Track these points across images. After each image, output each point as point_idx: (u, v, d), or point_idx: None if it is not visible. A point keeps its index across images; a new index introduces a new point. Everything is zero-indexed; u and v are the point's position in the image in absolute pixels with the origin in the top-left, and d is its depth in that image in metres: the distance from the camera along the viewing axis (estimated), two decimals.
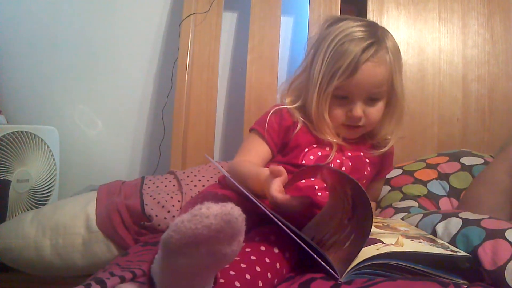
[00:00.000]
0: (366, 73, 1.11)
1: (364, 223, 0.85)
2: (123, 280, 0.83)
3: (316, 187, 1.15)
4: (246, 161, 1.16)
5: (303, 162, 1.18)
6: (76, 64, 2.02)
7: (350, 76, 1.11)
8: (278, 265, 0.84)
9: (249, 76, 1.79)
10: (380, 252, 0.83)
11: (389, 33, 1.20)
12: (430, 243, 0.92)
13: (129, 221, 1.31)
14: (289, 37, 1.97)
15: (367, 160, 1.24)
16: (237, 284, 0.73)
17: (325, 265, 0.83)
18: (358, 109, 1.15)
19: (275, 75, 1.80)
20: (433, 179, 1.39)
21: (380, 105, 1.18)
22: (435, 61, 1.81)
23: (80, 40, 2.02)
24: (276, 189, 0.90)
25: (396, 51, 1.18)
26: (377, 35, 1.14)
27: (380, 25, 1.21)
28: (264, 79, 1.79)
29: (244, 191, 0.86)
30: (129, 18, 2.02)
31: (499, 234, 0.90)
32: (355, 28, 1.14)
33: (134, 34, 2.02)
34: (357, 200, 0.89)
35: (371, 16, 1.80)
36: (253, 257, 0.82)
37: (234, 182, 0.91)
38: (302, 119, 1.22)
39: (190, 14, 1.81)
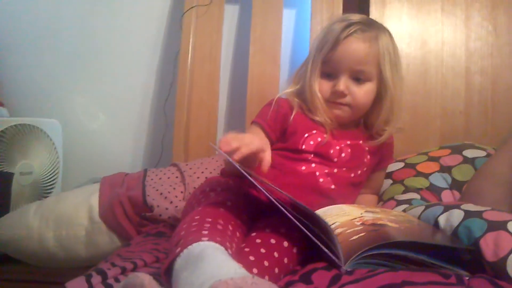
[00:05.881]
0: (347, 46, 1.17)
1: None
2: (124, 270, 0.83)
3: (317, 173, 1.16)
4: None
5: (303, 147, 1.19)
6: (77, 58, 2.02)
7: (333, 49, 1.18)
8: (286, 260, 0.85)
9: (251, 68, 1.79)
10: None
11: (387, 30, 1.24)
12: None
13: (131, 212, 1.32)
14: (291, 29, 1.96)
15: (367, 149, 1.26)
16: None
17: (328, 252, 0.83)
18: (341, 83, 1.18)
19: (277, 67, 1.79)
20: (435, 171, 1.38)
21: (367, 87, 1.20)
22: (438, 54, 1.80)
23: (82, 34, 2.02)
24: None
25: (389, 44, 1.21)
26: (369, 24, 1.21)
27: (381, 23, 1.26)
28: (266, 72, 1.79)
29: (248, 176, 0.86)
30: (131, 11, 2.02)
31: (501, 225, 0.89)
32: (350, 16, 1.22)
33: (136, 27, 2.02)
34: None
35: (374, 8, 1.79)
36: (262, 250, 0.83)
37: (238, 166, 0.91)
38: (298, 100, 1.25)
39: (192, 7, 1.81)
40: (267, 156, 0.93)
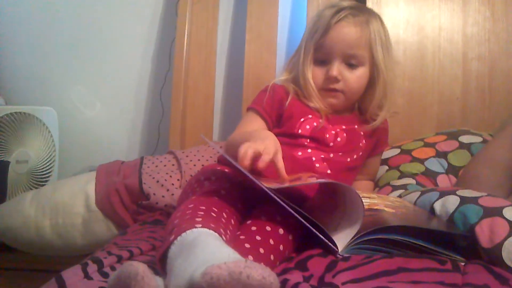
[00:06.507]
0: (338, 31, 1.18)
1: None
2: (120, 259, 0.83)
3: (314, 158, 1.18)
4: (242, 131, 1.19)
5: (299, 131, 1.20)
6: (73, 45, 2.01)
7: (324, 35, 1.19)
8: (281, 247, 0.85)
9: (248, 55, 1.78)
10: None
11: (377, 15, 1.26)
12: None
13: (127, 200, 1.32)
14: (288, 16, 1.95)
15: (362, 133, 1.27)
16: None
17: (324, 238, 0.83)
18: (334, 68, 1.19)
19: (273, 54, 1.78)
20: (431, 157, 1.38)
21: (359, 72, 1.21)
22: (435, 40, 1.79)
23: (77, 22, 2.01)
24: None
25: (380, 28, 1.23)
26: (359, 9, 1.22)
27: (371, 8, 1.30)
28: (262, 59, 1.78)
29: (241, 169, 0.87)
30: None
31: (497, 212, 0.90)
32: (341, 2, 1.24)
33: (131, 14, 2.01)
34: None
35: None
36: (258, 238, 0.83)
37: (231, 160, 0.91)
38: (293, 86, 1.26)
39: None
40: (280, 159, 0.93)
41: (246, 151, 0.87)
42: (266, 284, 0.55)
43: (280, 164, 0.92)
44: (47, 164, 1.76)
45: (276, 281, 0.57)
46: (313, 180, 0.96)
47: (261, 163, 0.87)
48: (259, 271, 0.55)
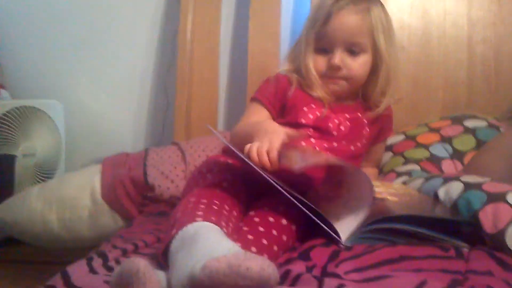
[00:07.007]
0: (339, 19, 1.17)
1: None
2: (124, 252, 0.84)
3: (317, 148, 1.17)
4: (248, 122, 1.19)
5: (303, 121, 1.20)
6: (77, 38, 2.01)
7: (325, 24, 1.18)
8: (284, 238, 0.85)
9: (251, 45, 1.77)
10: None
11: (380, 3, 1.24)
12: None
13: (133, 192, 1.33)
14: (291, 4, 1.93)
15: (365, 121, 1.27)
16: None
17: (327, 229, 0.83)
18: (336, 57, 1.19)
19: (277, 44, 1.77)
20: (435, 142, 1.38)
21: (362, 59, 1.21)
22: (440, 24, 1.77)
23: (81, 13, 2.00)
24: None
25: (381, 14, 1.21)
26: None
27: None
28: (266, 48, 1.77)
29: (246, 159, 0.87)
30: None
31: (501, 197, 0.89)
32: None
33: (135, 5, 1.99)
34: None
35: None
36: (261, 229, 0.83)
37: (236, 151, 0.92)
38: (296, 76, 1.26)
39: None
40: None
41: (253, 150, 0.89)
42: (265, 275, 0.56)
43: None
44: (54, 157, 1.77)
45: (275, 272, 0.57)
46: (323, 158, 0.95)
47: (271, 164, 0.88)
48: (258, 263, 0.56)
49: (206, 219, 0.72)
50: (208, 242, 0.65)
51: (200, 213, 0.75)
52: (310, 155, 0.96)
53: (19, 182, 1.60)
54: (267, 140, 0.92)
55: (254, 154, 0.88)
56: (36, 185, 1.51)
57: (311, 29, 1.22)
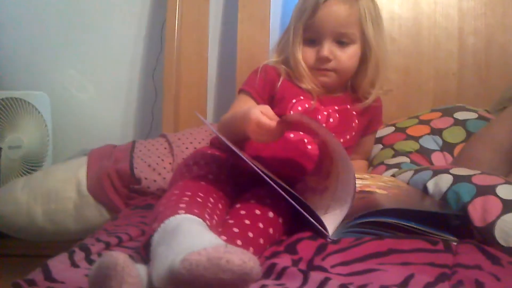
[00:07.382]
0: (327, 10, 1.16)
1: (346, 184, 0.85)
2: (108, 245, 0.82)
3: (306, 140, 1.16)
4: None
5: (291, 113, 1.19)
6: (64, 29, 1.99)
7: (313, 14, 1.17)
8: (271, 230, 0.84)
9: (240, 35, 1.76)
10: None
11: None
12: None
13: (119, 185, 1.31)
14: None
15: (354, 113, 1.26)
16: None
17: (314, 222, 0.82)
18: (325, 49, 1.18)
19: (266, 33, 1.76)
20: (425, 134, 1.37)
21: (351, 50, 1.20)
22: (430, 14, 1.77)
23: (67, 5, 1.98)
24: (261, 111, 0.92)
25: (370, 4, 1.20)
26: None
27: None
28: (255, 38, 1.76)
29: (234, 148, 0.86)
30: None
31: (490, 190, 0.89)
32: None
33: None
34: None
35: None
36: (247, 221, 0.82)
37: (224, 139, 0.91)
38: (284, 67, 1.25)
39: None
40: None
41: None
42: (247, 268, 0.54)
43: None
44: (41, 149, 1.75)
45: (256, 266, 0.56)
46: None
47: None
48: (239, 256, 0.54)
49: (188, 211, 0.71)
50: (189, 235, 0.64)
51: (183, 205, 0.73)
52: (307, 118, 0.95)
53: (5, 175, 1.58)
54: (258, 109, 0.93)
55: (254, 116, 0.91)
56: (22, 177, 1.49)
57: (298, 20, 1.20)
